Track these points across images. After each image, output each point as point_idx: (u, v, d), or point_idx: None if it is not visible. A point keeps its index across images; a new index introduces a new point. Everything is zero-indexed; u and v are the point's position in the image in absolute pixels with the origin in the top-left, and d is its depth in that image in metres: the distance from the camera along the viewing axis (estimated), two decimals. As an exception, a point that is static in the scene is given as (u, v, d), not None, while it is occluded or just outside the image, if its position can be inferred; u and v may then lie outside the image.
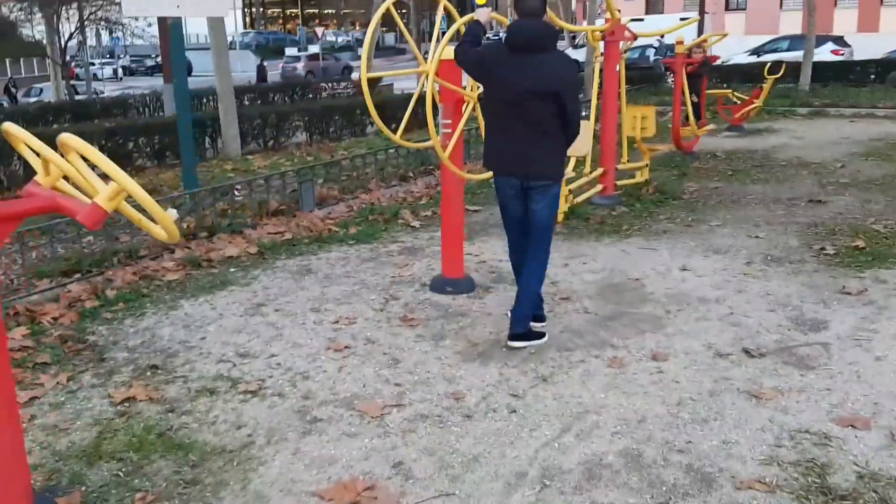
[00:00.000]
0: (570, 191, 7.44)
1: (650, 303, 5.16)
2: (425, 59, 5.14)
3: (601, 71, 7.83)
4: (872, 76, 21.17)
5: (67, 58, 44.45)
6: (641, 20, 30.30)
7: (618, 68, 7.79)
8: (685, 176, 9.48)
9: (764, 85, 13.44)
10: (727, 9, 37.58)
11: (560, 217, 7.30)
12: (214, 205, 7.25)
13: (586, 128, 7.40)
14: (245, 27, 70.53)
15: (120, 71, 54.35)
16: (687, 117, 10.46)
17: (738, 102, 13.24)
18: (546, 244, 4.50)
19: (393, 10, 5.15)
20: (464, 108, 5.25)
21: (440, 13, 5.39)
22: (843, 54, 25.17)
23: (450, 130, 5.17)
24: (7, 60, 44.92)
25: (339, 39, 61.25)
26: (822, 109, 16.13)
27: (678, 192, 8.46)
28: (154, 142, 11.37)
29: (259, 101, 18.49)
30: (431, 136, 4.80)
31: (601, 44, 7.73)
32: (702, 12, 22.16)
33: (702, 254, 6.24)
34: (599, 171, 7.96)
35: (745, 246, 6.39)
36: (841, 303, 5.01)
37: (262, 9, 76.24)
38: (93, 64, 54.00)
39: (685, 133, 10.53)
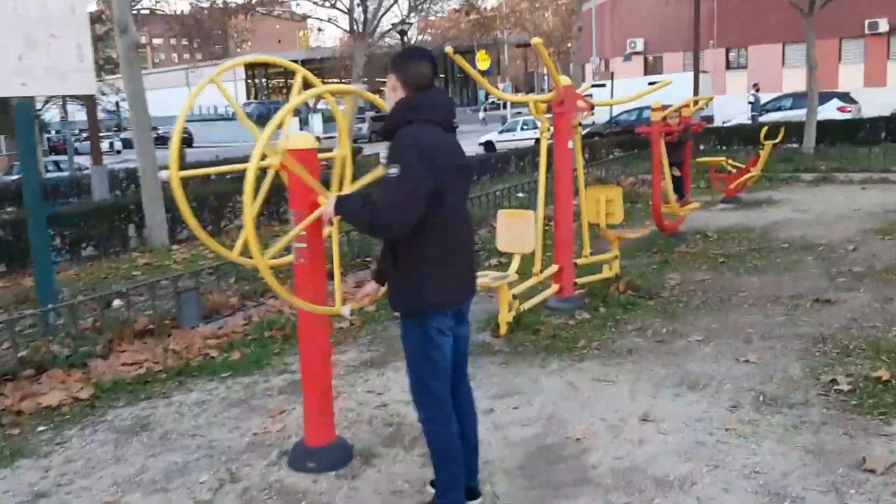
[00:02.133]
0: (513, 296, 5.95)
1: (588, 486, 3.60)
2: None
3: (549, 149, 6.41)
4: (883, 134, 19.68)
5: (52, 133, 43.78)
6: (603, 86, 29.21)
7: (570, 144, 6.37)
8: (667, 265, 7.96)
9: (761, 151, 12.01)
10: (728, 67, 36.51)
11: (502, 329, 5.81)
12: (68, 325, 5.82)
13: (529, 219, 5.96)
14: (248, 97, 70.44)
15: (119, 144, 53.50)
16: (668, 193, 9.01)
17: (734, 171, 11.80)
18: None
19: (218, 82, 3.76)
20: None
21: (296, 86, 4.00)
22: (850, 111, 23.69)
23: (304, 245, 3.72)
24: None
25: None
26: (829, 175, 14.58)
27: (656, 289, 6.94)
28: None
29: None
30: (254, 255, 3.36)
31: (547, 117, 6.32)
32: (696, 72, 20.91)
33: (672, 390, 4.68)
34: (554, 268, 6.47)
35: (731, 376, 4.84)
36: (861, 490, 3.43)
37: (265, 80, 76.34)
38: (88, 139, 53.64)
39: (668, 210, 9.06)
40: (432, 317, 3.12)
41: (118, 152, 50.28)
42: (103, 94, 23.60)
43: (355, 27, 21.53)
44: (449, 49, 5.72)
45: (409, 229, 2.99)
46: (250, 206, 3.37)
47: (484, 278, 5.70)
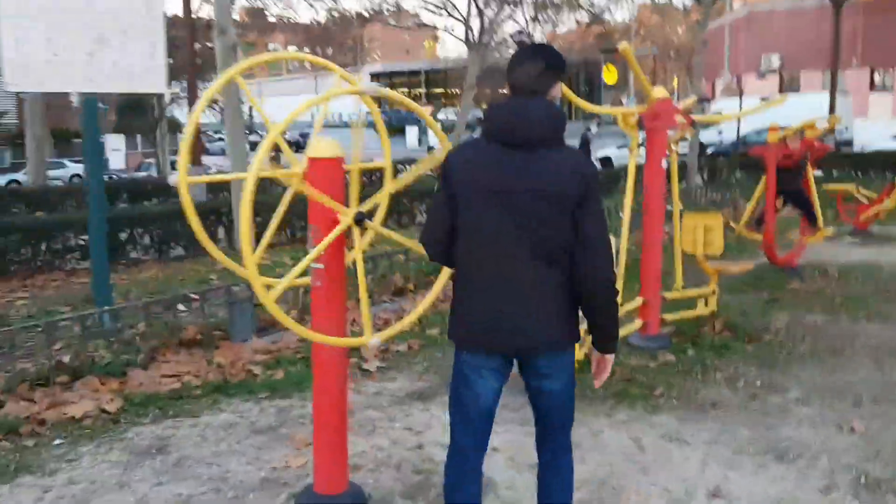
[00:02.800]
0: (583, 330, 5.31)
1: (629, 578, 2.99)
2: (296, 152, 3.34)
3: (638, 168, 5.76)
4: None
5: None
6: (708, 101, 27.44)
7: (665, 163, 5.69)
8: (775, 303, 7.10)
9: (898, 180, 10.81)
10: (872, 89, 34.05)
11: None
12: (122, 329, 5.63)
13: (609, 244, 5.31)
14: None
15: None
16: (760, 221, 8.11)
17: (864, 201, 10.65)
18: (569, 448, 2.94)
19: (241, 80, 3.41)
20: (347, 233, 3.35)
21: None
22: None
23: (322, 266, 3.29)
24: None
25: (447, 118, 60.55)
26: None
27: (757, 331, 6.14)
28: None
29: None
30: (249, 273, 2.94)
31: (641, 132, 5.67)
32: (833, 91, 19.40)
33: (755, 459, 3.97)
34: (638, 301, 5.80)
35: (829, 448, 4.07)
36: None
37: (389, 88, 77.49)
38: (222, 139, 55.81)
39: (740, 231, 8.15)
40: (461, 352, 2.77)
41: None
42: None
43: (471, 36, 21.22)
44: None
45: (436, 250, 2.77)
46: (248, 222, 2.95)
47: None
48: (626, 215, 5.70)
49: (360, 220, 3.25)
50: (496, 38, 22.60)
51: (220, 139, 54.47)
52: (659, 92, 5.61)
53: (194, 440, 4.33)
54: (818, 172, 16.19)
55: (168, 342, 5.55)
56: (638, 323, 5.82)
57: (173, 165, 27.76)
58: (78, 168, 33.79)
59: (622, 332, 5.60)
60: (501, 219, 2.59)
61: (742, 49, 38.91)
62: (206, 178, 3.93)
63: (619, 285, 5.62)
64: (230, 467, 4.01)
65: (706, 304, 6.38)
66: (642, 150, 5.73)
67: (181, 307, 6.59)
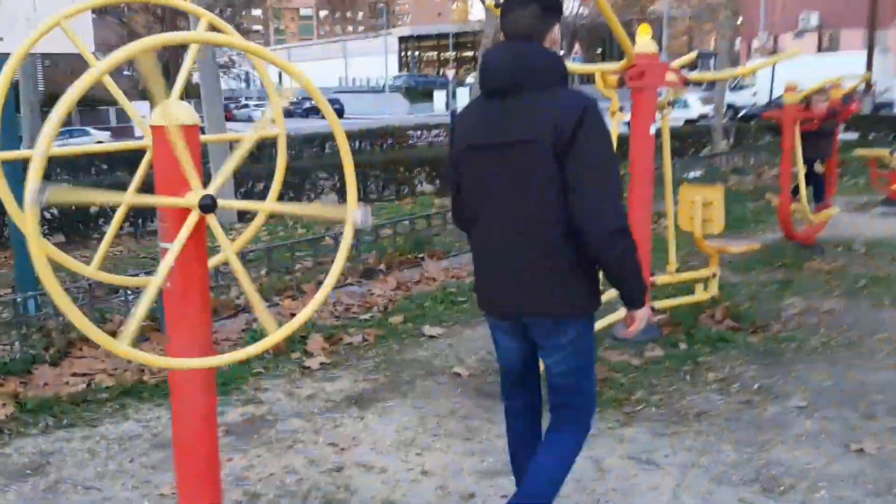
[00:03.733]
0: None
1: None
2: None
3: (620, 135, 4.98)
4: None
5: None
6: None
7: (653, 129, 4.91)
8: (789, 286, 6.29)
9: (938, 144, 9.81)
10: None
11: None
12: (45, 317, 5.05)
13: (609, 186, 4.56)
14: (399, 70, 70.71)
15: (259, 115, 54.42)
16: (796, 191, 7.25)
17: (899, 168, 9.68)
18: (573, 428, 2.68)
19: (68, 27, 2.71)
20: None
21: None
22: None
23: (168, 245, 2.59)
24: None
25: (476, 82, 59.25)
26: None
27: (765, 319, 5.38)
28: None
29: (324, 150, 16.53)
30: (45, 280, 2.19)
31: (620, 92, 4.89)
32: (870, 50, 18.16)
33: (738, 490, 3.25)
34: (622, 287, 5.05)
35: (830, 475, 3.34)
36: None
37: (417, 52, 76.34)
38: (247, 106, 55.28)
39: (807, 214, 7.32)
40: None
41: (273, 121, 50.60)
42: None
43: (486, -6, 20.23)
44: (490, 2, 4.44)
45: (455, 218, 2.79)
46: (34, 230, 2.09)
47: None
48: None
49: (207, 204, 2.55)
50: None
51: (245, 106, 53.96)
52: (645, 45, 4.81)
53: (81, 457, 3.72)
54: (850, 135, 15.20)
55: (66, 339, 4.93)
56: (622, 312, 5.07)
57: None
58: (103, 135, 33.41)
59: (602, 323, 4.89)
60: (486, 176, 2.49)
61: (779, 7, 37.19)
62: (67, 151, 3.24)
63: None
64: (112, 493, 3.40)
65: (705, 288, 5.61)
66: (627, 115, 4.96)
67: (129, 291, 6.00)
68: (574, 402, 2.65)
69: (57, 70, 34.65)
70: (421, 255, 7.16)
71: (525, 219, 2.43)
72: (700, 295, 5.57)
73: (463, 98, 45.73)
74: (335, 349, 5.10)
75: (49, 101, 28.44)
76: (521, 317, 2.55)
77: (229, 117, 55.16)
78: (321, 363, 4.84)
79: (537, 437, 2.78)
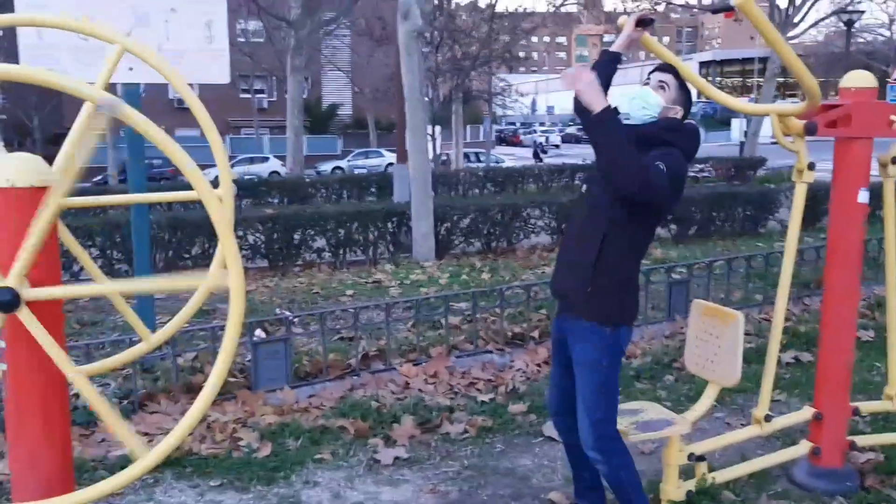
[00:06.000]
0: (701, 457, 3.36)
1: None
2: None
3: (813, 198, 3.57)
4: None
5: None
6: None
7: (864, 196, 3.45)
8: None
9: None
10: None
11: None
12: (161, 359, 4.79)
13: (735, 325, 3.29)
14: (697, 96, 67.38)
15: (558, 139, 54.39)
16: None
17: None
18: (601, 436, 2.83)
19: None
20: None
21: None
22: None
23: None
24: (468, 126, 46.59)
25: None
26: None
27: None
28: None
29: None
30: None
31: (805, 144, 3.48)
32: None
33: None
34: (805, 413, 3.64)
35: None
36: None
37: (718, 77, 72.20)
38: (534, 132, 55.74)
39: None
40: None
41: (556, 147, 50.40)
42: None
43: (776, 16, 18.14)
44: (623, 20, 3.39)
45: None
46: None
47: (632, 418, 3.27)
48: (784, 275, 3.55)
49: (5, 301, 1.86)
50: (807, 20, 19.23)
51: (533, 131, 54.37)
52: (857, 78, 3.39)
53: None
54: None
55: (168, 386, 4.57)
56: (805, 446, 3.66)
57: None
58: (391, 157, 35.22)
59: (777, 458, 3.55)
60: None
61: None
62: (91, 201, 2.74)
63: (765, 386, 3.59)
64: None
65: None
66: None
67: (259, 333, 5.62)
68: (589, 409, 2.88)
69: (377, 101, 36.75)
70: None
71: (587, 219, 2.92)
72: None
73: (766, 126, 42.04)
74: (426, 439, 4.22)
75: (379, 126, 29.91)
76: (555, 294, 3.06)
77: (516, 141, 56.37)
78: (396, 458, 3.99)
79: None
